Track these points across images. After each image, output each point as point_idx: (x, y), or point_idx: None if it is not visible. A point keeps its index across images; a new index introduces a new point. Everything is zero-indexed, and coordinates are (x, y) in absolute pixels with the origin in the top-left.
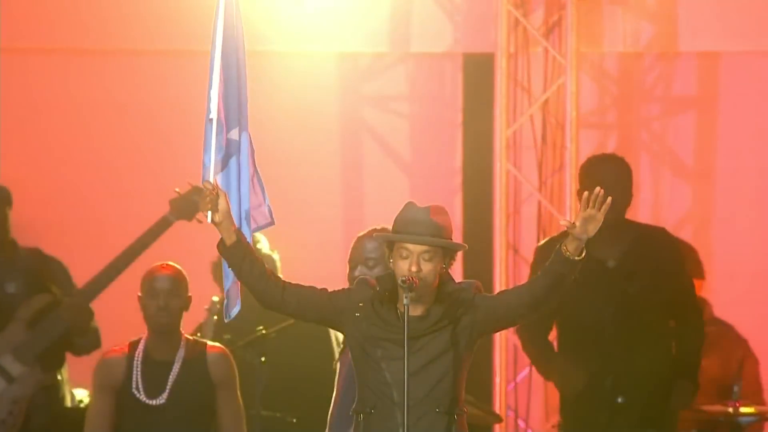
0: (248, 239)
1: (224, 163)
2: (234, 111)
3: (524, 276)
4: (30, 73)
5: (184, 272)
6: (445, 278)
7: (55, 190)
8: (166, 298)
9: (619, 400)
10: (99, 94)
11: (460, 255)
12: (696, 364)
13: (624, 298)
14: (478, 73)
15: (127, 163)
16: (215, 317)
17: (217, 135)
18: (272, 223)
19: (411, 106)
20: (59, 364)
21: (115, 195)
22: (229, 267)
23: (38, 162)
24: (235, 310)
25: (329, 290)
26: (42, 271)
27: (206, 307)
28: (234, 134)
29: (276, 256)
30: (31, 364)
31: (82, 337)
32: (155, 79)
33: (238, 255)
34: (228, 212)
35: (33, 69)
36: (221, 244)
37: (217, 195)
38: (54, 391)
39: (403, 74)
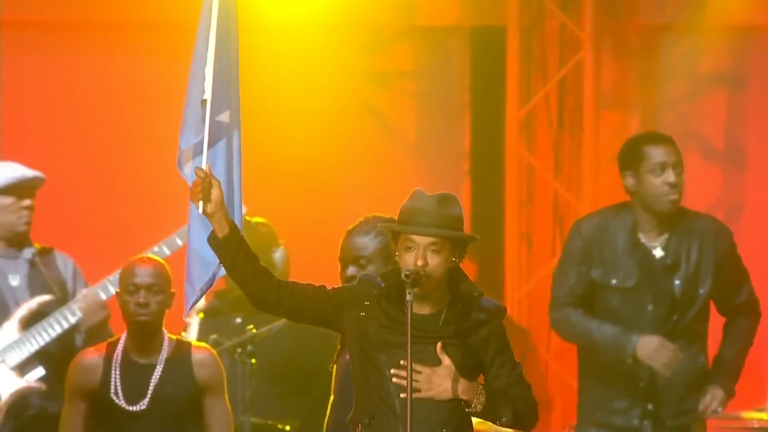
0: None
1: (210, 146)
2: (224, 91)
3: (538, 271)
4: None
5: (167, 266)
6: (457, 275)
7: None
8: (146, 294)
9: (649, 407)
10: (85, 68)
11: (470, 247)
12: (737, 370)
13: (667, 293)
14: (487, 48)
15: (116, 140)
16: (201, 315)
17: (205, 117)
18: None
19: (415, 84)
20: (43, 371)
21: (105, 176)
22: (221, 262)
23: (24, 139)
24: (192, 304)
25: (328, 287)
26: (50, 268)
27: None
28: (224, 117)
29: (281, 251)
30: (11, 368)
31: (96, 337)
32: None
33: (232, 249)
34: (221, 202)
35: (21, 43)
36: (212, 237)
37: (210, 184)
38: (32, 398)
39: (407, 49)
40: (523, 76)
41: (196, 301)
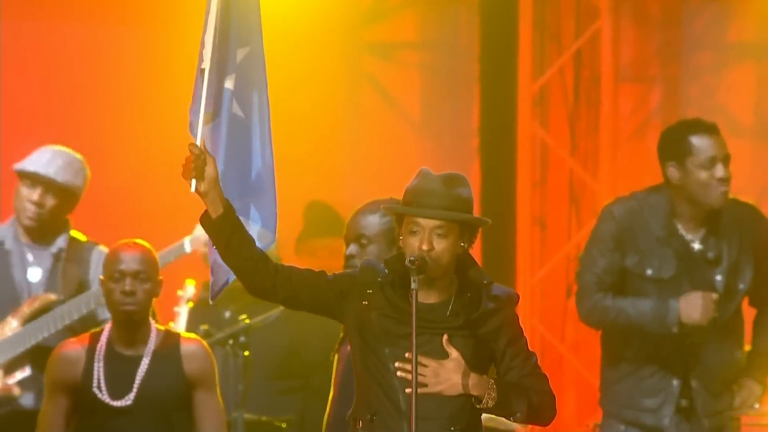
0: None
1: (214, 116)
2: (226, 57)
3: (552, 257)
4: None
5: (154, 251)
6: (465, 262)
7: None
8: (132, 282)
9: (683, 403)
10: (75, 35)
11: (478, 232)
12: None
13: (708, 288)
14: (498, 16)
15: (108, 112)
16: (190, 304)
17: (208, 86)
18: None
19: (420, 56)
20: (29, 371)
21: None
22: (213, 245)
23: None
24: (226, 282)
25: (328, 273)
26: (78, 264)
27: (180, 291)
28: (229, 83)
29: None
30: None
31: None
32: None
33: (226, 231)
34: (216, 180)
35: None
36: (205, 218)
37: (204, 161)
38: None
39: (412, 17)
40: (536, 46)
41: (226, 284)
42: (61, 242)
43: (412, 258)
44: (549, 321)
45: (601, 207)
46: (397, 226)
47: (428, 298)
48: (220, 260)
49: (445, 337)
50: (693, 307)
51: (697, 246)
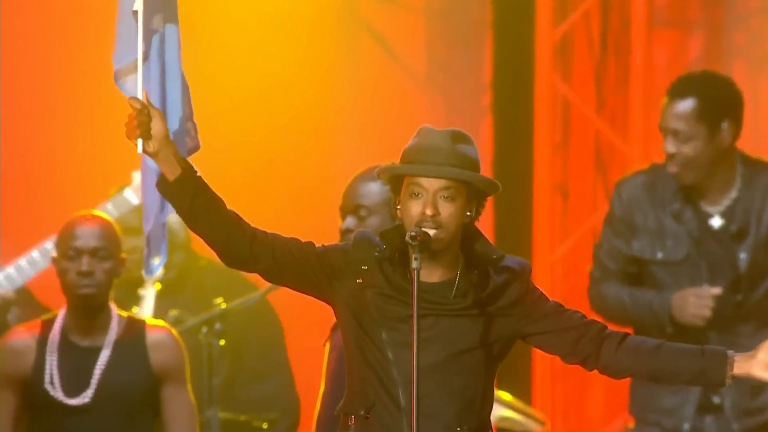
0: None
1: (144, 60)
2: None
3: (575, 230)
4: None
5: (116, 225)
6: (472, 234)
7: None
8: (90, 260)
9: (716, 400)
10: None
11: (489, 202)
12: None
13: (728, 268)
14: None
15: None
16: (158, 286)
17: (140, 28)
18: (198, 146)
19: (425, 0)
20: None
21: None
22: (177, 212)
23: None
24: (158, 262)
25: (317, 245)
26: None
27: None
28: (156, 23)
29: None
30: None
31: None
32: None
33: (187, 194)
34: (166, 137)
35: None
36: (162, 182)
37: (149, 115)
38: None
39: None
40: None
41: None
42: None
43: (413, 233)
44: (572, 303)
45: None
46: (393, 193)
47: (431, 276)
48: (156, 230)
49: None
50: (683, 304)
51: (716, 220)
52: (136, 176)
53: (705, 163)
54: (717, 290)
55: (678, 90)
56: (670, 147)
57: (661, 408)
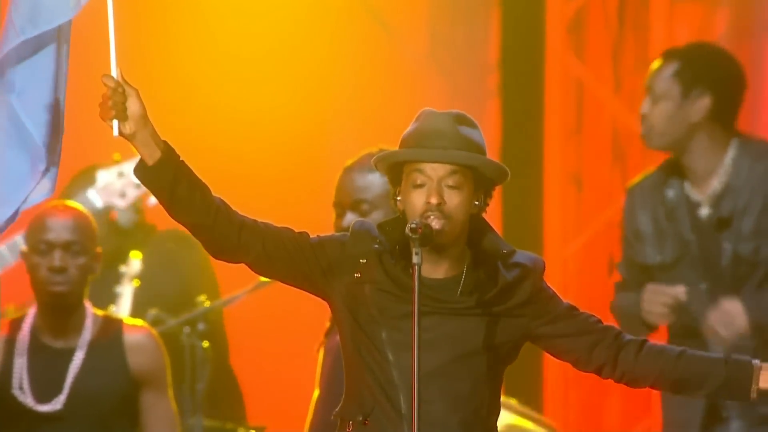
0: None
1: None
2: None
3: (590, 224)
4: None
5: (91, 216)
6: (480, 226)
7: None
8: (63, 255)
9: (724, 414)
10: None
11: (496, 193)
12: None
13: (724, 265)
14: None
15: None
16: (136, 283)
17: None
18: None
19: None
20: None
21: None
22: (156, 198)
23: None
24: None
25: (312, 235)
26: None
27: (122, 268)
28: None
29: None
30: None
31: None
32: None
33: (167, 179)
34: (143, 117)
35: None
36: (140, 167)
37: (124, 94)
38: None
39: None
40: None
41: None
42: None
43: (413, 225)
44: (587, 304)
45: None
46: (392, 184)
47: (435, 272)
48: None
49: None
50: (642, 302)
51: (704, 210)
52: (101, 176)
53: (674, 131)
54: (681, 290)
55: (668, 53)
56: (644, 107)
57: (672, 420)
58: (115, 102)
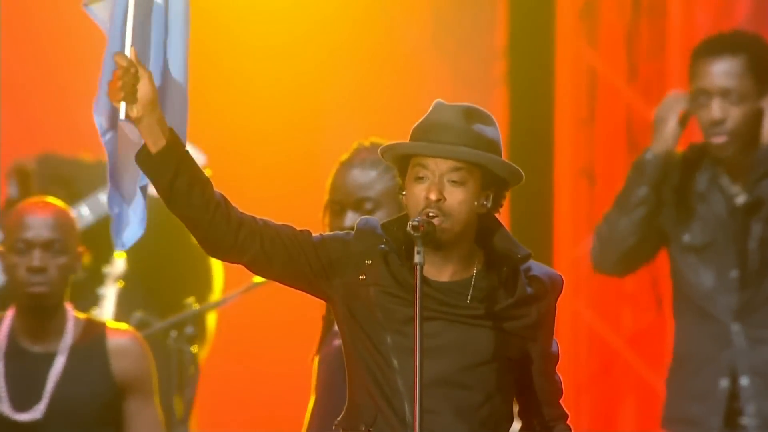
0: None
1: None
2: None
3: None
4: None
5: (71, 213)
6: (491, 227)
7: None
8: (43, 254)
9: (740, 406)
10: None
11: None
12: None
13: (758, 256)
14: None
15: None
16: (120, 284)
17: None
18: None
19: None
20: None
21: None
22: (155, 188)
23: None
24: (133, 234)
25: (314, 234)
26: None
27: (106, 268)
28: None
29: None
30: None
31: None
32: None
33: (169, 167)
34: (153, 102)
35: None
36: (142, 154)
37: (136, 75)
38: None
39: None
40: None
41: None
42: None
43: (415, 222)
44: (599, 305)
45: None
46: (399, 177)
47: (440, 274)
48: (133, 191)
49: None
50: (661, 110)
51: (741, 199)
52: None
53: (750, 132)
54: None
55: (721, 46)
56: (717, 111)
57: (688, 417)
58: (125, 83)
